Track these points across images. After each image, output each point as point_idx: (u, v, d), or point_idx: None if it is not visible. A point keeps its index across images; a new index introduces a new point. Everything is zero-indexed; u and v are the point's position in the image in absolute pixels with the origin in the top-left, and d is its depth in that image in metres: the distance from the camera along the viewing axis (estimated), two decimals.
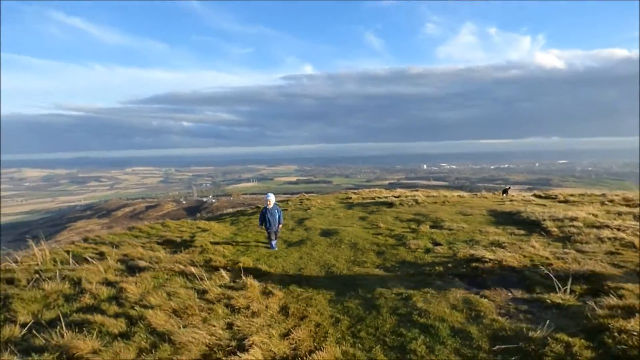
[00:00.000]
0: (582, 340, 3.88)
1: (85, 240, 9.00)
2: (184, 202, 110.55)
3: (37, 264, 6.95)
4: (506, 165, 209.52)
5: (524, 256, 6.45)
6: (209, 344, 4.09)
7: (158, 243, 8.46)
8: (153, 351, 3.92)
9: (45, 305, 5.23)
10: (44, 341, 4.14)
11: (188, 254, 7.38)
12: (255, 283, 5.92)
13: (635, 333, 3.85)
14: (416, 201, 13.53)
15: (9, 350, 4.01)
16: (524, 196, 16.57)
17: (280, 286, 5.97)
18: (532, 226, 8.94)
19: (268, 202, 8.11)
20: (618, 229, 7.94)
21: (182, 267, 6.41)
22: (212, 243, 8.32)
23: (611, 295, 4.70)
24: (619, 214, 10.11)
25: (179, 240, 8.79)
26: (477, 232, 8.54)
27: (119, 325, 4.49)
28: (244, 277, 6.06)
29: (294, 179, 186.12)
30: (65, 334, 4.19)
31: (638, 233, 7.66)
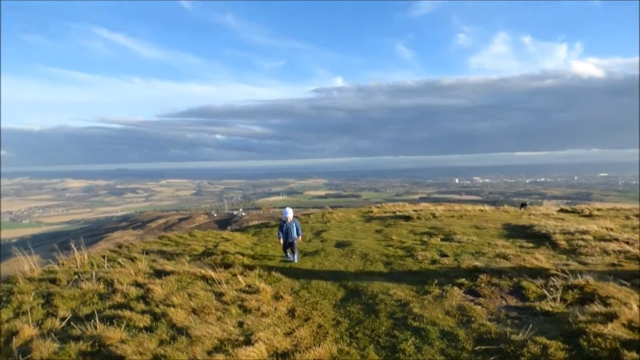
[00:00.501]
0: (559, 343, 4.18)
1: (120, 247, 9.83)
2: (215, 214, 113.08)
3: (77, 267, 7.75)
4: (543, 179, 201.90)
5: (525, 267, 6.69)
6: (221, 338, 4.63)
7: (184, 250, 9.16)
8: (172, 342, 4.51)
9: (82, 302, 5.94)
10: (80, 332, 4.80)
11: (210, 261, 8.01)
12: (268, 288, 6.46)
13: (609, 337, 4.12)
14: (434, 215, 13.78)
15: (50, 338, 4.68)
16: (546, 210, 16.43)
17: (290, 291, 6.49)
18: (542, 239, 9.08)
19: (287, 218, 8.39)
20: (627, 242, 7.99)
21: (203, 272, 7.02)
22: (233, 252, 8.93)
23: (597, 303, 4.93)
24: (636, 227, 10.06)
25: (203, 248, 9.48)
26: (485, 245, 8.77)
27: (144, 320, 5.11)
28: (258, 283, 6.62)
29: (323, 193, 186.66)
30: (98, 327, 4.84)
31: (632, 241, 7.71)
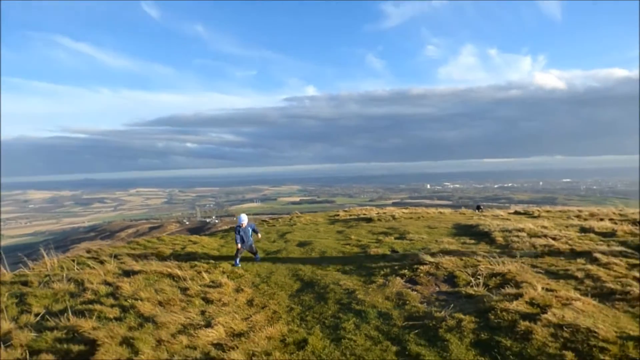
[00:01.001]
0: (472, 317, 4.99)
1: (89, 252, 10.17)
2: (187, 222, 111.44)
3: (47, 270, 8.11)
4: (510, 184, 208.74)
5: (461, 260, 7.56)
6: (184, 323, 5.22)
7: (152, 253, 9.62)
8: (139, 328, 5.06)
9: (54, 300, 6.37)
10: (54, 324, 5.27)
11: (177, 262, 8.53)
12: (230, 283, 7.07)
13: (512, 311, 4.97)
14: (393, 217, 14.67)
15: (26, 329, 5.14)
16: (498, 213, 17.59)
17: (251, 285, 7.12)
18: (483, 236, 10.05)
19: (242, 224, 8.72)
20: (553, 238, 9.03)
21: (170, 270, 7.55)
22: (200, 253, 9.46)
23: (511, 287, 5.81)
24: (569, 226, 11.19)
25: (171, 251, 9.95)
26: (433, 242, 9.65)
27: (114, 312, 5.63)
28: (221, 278, 7.21)
29: (297, 199, 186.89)
30: (71, 319, 5.32)
31: (569, 242, 8.74)
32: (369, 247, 9.40)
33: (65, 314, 5.50)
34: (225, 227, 18.38)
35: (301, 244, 10.33)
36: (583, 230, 10.54)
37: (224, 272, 7.78)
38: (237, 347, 4.53)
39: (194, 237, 12.08)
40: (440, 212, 17.28)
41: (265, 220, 17.28)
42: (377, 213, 16.31)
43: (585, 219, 12.81)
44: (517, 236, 9.45)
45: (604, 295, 5.62)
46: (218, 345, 4.61)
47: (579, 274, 6.50)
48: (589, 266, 6.88)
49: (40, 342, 4.76)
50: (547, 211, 16.96)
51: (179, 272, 7.47)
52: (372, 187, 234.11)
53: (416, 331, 4.85)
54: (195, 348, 4.54)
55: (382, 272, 7.31)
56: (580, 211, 15.03)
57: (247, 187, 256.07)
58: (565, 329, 4.43)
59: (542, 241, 8.83)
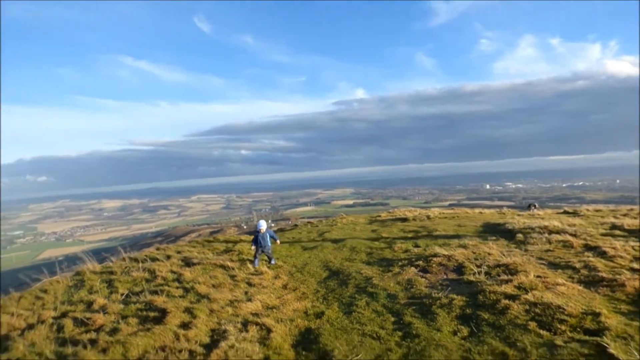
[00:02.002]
0: (463, 297, 5.96)
1: (158, 249, 12.06)
2: (245, 226, 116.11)
3: (126, 263, 9.98)
4: (581, 183, 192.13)
5: (474, 253, 8.39)
6: (231, 299, 6.65)
7: (208, 249, 11.29)
8: (197, 302, 6.55)
9: (134, 284, 8.09)
10: (135, 299, 6.92)
11: (228, 255, 10.08)
12: (270, 272, 8.46)
13: (498, 293, 5.86)
14: (428, 217, 15.42)
15: (116, 303, 6.82)
16: (545, 212, 17.63)
17: (287, 274, 8.45)
18: (505, 234, 10.65)
19: (260, 230, 9.24)
20: (573, 235, 9.50)
21: (221, 262, 9.09)
22: (247, 249, 10.97)
23: (507, 274, 6.64)
24: (602, 224, 11.43)
25: (224, 247, 11.57)
26: (455, 239, 10.43)
27: (178, 292, 7.20)
28: (262, 269, 8.63)
29: (350, 202, 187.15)
30: (147, 296, 6.94)
31: (587, 238, 9.20)
32: (394, 243, 10.40)
33: (143, 293, 7.15)
34: (276, 229, 20.00)
35: (335, 241, 11.53)
36: (613, 227, 10.78)
37: (266, 265, 9.19)
38: (269, 316, 5.85)
39: (244, 237, 13.69)
40: (480, 212, 17.67)
41: (310, 222, 18.64)
42: (418, 214, 17.04)
43: (624, 216, 12.83)
44: (538, 233, 10.00)
45: (593, 283, 6.30)
46: (255, 314, 5.96)
47: (578, 265, 7.14)
48: (592, 259, 7.46)
49: (126, 311, 6.39)
50: (598, 210, 16.79)
51: (229, 264, 8.99)
52: (426, 188, 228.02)
53: (414, 307, 5.90)
54: (238, 316, 5.92)
55: (399, 264, 8.34)
56: (630, 209, 14.84)
57: (301, 191, 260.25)
58: (539, 306, 5.28)
59: (559, 237, 9.36)
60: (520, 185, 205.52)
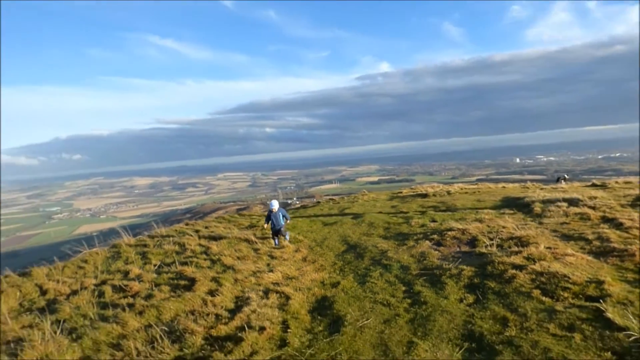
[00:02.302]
0: (472, 268, 6.23)
1: (187, 224, 12.76)
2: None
3: (158, 237, 10.67)
4: (618, 154, 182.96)
5: (488, 227, 8.57)
6: (254, 270, 7.15)
7: (234, 225, 11.87)
8: (223, 272, 7.08)
9: (165, 256, 8.73)
10: (167, 269, 7.53)
11: (252, 231, 10.62)
12: (291, 246, 8.92)
13: (506, 263, 6.11)
14: (448, 192, 15.51)
15: (149, 272, 7.44)
16: (572, 185, 17.37)
17: (307, 247, 8.90)
18: (523, 207, 10.71)
19: (273, 209, 9.53)
20: (592, 208, 9.51)
21: (246, 236, 9.62)
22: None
23: (518, 246, 6.85)
24: (626, 195, 11.30)
25: (248, 223, 12.13)
26: (473, 213, 10.60)
27: (206, 263, 7.77)
28: (284, 243, 9.10)
29: (375, 178, 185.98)
30: (177, 267, 7.54)
31: (606, 211, 9.20)
32: (412, 218, 10.66)
33: (174, 264, 7.76)
34: (298, 206, 20.51)
35: (355, 217, 11.89)
36: (637, 199, 10.67)
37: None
38: (289, 285, 6.32)
39: (266, 213, 14.23)
40: (503, 187, 17.59)
41: (332, 199, 19.02)
42: (439, 189, 17.10)
43: None
44: (557, 206, 10.03)
45: (603, 253, 6.44)
46: (275, 284, 6.43)
47: (591, 237, 7.25)
48: (607, 230, 7.53)
49: (159, 279, 7.00)
50: (627, 182, 16.44)
51: (253, 238, 9.51)
52: (453, 164, 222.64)
53: (424, 278, 6.23)
54: (260, 284, 6.42)
55: (415, 238, 8.64)
56: None
57: (325, 169, 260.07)
58: (544, 276, 5.51)
59: (577, 210, 9.39)
60: (552, 159, 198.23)
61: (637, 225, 7.64)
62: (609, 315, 4.23)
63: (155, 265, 8.05)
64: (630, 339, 3.75)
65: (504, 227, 8.40)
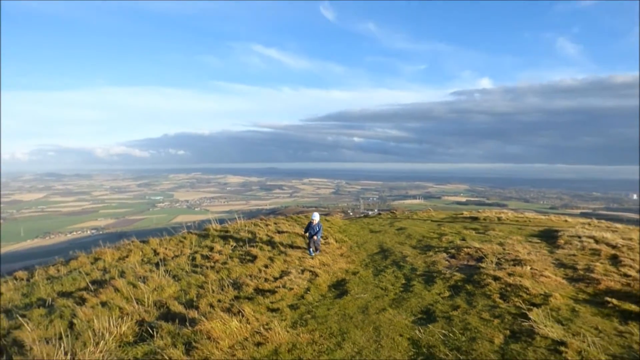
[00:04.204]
0: (462, 275, 7.97)
1: (261, 219, 15.72)
2: (351, 213, 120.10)
3: (237, 227, 13.66)
4: None
5: (503, 250, 10.00)
6: (300, 256, 9.60)
7: (297, 223, 14.50)
8: (278, 255, 9.64)
9: (240, 241, 11.58)
10: (239, 249, 10.30)
11: None
12: (335, 244, 11.23)
13: (489, 275, 7.74)
14: (498, 218, 16.54)
15: (227, 249, 10.27)
16: None
17: (348, 247, 11.13)
18: (551, 239, 11.71)
19: (313, 220, 10.29)
20: (614, 247, 10.35)
21: (302, 233, 12.13)
22: (325, 227, 13.89)
23: (512, 265, 8.36)
24: None
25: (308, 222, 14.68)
26: (503, 238, 11.89)
27: (267, 247, 10.42)
28: (331, 240, 11.44)
29: (463, 199, 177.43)
30: (247, 248, 10.27)
31: (622, 249, 10.05)
32: (445, 235, 12.30)
33: (245, 246, 10.52)
34: (363, 216, 22.61)
35: (399, 229, 13.79)
36: None
37: (334, 238, 11.99)
38: (321, 269, 8.64)
39: (329, 217, 16.68)
40: (565, 221, 17.98)
41: (392, 211, 20.88)
42: (494, 215, 18.09)
43: None
44: (580, 241, 10.97)
45: (578, 279, 7.72)
46: (312, 266, 8.81)
47: (581, 267, 8.45)
48: (598, 264, 8.62)
49: (233, 254, 9.79)
50: None
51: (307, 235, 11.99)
52: (555, 192, 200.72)
53: (424, 277, 8.12)
54: (301, 265, 8.84)
55: (436, 250, 10.40)
56: None
57: (411, 183, 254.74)
58: (511, 286, 7.12)
59: (596, 246, 10.33)
60: None
61: (634, 265, 8.60)
62: (530, 314, 5.86)
63: (231, 246, 10.91)
64: (527, 324, 5.43)
65: (515, 251, 9.80)
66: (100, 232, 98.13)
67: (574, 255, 9.70)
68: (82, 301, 6.42)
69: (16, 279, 8.39)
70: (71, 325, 5.37)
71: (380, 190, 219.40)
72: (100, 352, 4.44)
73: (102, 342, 4.62)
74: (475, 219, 16.81)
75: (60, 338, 4.71)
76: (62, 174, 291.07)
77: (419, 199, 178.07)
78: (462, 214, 19.94)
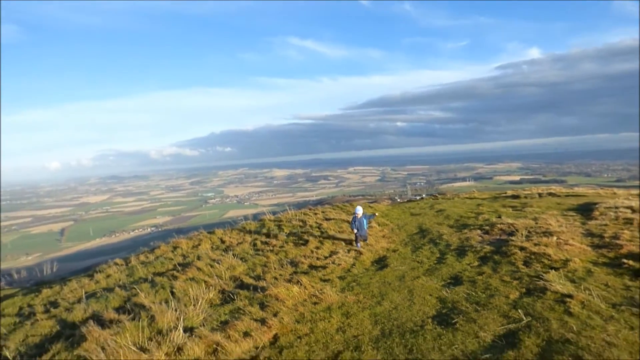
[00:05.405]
0: (491, 247, 8.89)
1: (310, 209, 17.16)
2: (398, 199, 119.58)
3: (289, 216, 15.15)
4: None
5: (536, 224, 10.70)
6: (346, 239, 10.86)
7: (343, 211, 15.77)
8: (327, 238, 10.96)
9: (292, 228, 13.03)
10: (293, 235, 11.73)
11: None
12: (378, 227, 12.39)
13: (516, 246, 8.60)
14: (539, 194, 16.88)
15: (282, 234, 11.74)
16: None
17: (389, 229, 12.25)
18: (587, 211, 12.12)
19: (357, 214, 10.31)
20: None
21: (348, 219, 13.39)
22: (370, 213, 15.03)
23: (539, 237, 9.14)
24: None
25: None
26: (539, 213, 12.47)
27: (317, 232, 11.78)
28: (374, 224, 12.62)
29: (517, 177, 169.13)
30: (300, 234, 11.68)
31: None
32: (482, 214, 13.07)
33: (297, 232, 11.94)
34: (406, 200, 23.46)
35: (438, 211, 14.67)
36: None
37: (376, 222, 13.16)
38: (365, 248, 9.87)
39: (373, 204, 17.80)
40: (614, 193, 17.94)
41: (435, 196, 21.61)
42: (533, 192, 18.40)
43: None
44: (615, 212, 11.38)
45: (603, 246, 8.40)
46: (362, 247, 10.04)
47: (608, 235, 9.06)
48: (627, 231, 9.16)
49: (287, 240, 11.26)
50: None
51: None
52: (620, 163, 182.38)
53: (457, 251, 9.12)
54: (347, 247, 10.10)
55: (471, 227, 11.28)
56: None
57: (460, 165, 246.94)
58: (535, 254, 7.98)
59: (630, 215, 10.75)
60: None
61: None
62: (546, 276, 6.75)
63: (286, 233, 12.38)
64: (541, 283, 6.36)
65: (548, 224, 10.49)
66: (159, 229, 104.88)
67: (605, 225, 10.22)
68: (174, 278, 8.13)
69: (117, 264, 10.37)
70: (172, 293, 7.00)
71: (427, 174, 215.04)
72: (199, 310, 5.97)
73: (197, 304, 6.15)
74: (516, 197, 17.25)
75: (167, 302, 6.31)
76: (122, 176, 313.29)
77: (468, 180, 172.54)
78: (505, 192, 20.32)
